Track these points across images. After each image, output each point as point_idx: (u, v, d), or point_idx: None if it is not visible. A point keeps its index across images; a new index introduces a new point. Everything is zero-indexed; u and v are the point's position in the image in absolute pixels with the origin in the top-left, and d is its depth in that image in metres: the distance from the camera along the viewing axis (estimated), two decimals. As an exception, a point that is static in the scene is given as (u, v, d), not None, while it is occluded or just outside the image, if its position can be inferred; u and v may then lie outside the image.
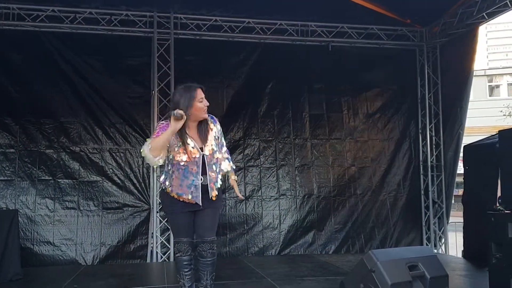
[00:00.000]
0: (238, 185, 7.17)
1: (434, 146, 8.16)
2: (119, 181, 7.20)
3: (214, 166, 3.81)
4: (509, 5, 6.52)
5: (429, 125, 8.16)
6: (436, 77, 8.18)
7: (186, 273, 3.81)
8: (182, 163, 3.70)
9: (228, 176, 4.08)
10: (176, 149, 3.69)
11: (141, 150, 3.66)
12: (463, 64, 7.77)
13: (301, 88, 7.99)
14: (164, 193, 3.86)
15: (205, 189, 3.74)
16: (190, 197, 3.71)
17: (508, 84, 27.33)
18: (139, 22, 7.31)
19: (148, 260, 7.02)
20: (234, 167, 4.09)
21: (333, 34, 7.91)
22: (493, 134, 6.53)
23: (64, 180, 7.02)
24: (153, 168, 6.97)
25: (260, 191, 7.67)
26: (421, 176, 8.18)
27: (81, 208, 7.00)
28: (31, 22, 6.99)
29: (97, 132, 7.23)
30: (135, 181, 7.25)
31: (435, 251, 7.68)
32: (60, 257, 6.77)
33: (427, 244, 7.96)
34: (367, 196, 7.98)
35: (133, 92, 7.40)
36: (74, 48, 7.21)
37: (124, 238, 7.06)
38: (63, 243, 6.83)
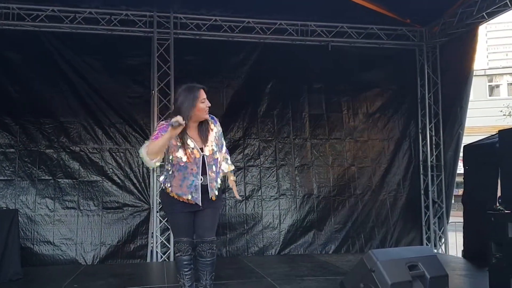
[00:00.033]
0: (238, 185, 7.16)
1: (434, 146, 8.16)
2: (119, 181, 7.20)
3: (214, 167, 3.81)
4: (509, 5, 6.52)
5: (429, 125, 8.16)
6: (436, 77, 8.18)
7: (186, 273, 3.81)
8: (182, 164, 3.70)
9: (227, 177, 4.09)
10: (176, 150, 3.69)
11: (139, 152, 3.67)
12: (463, 64, 7.77)
13: (301, 88, 7.99)
14: (164, 193, 3.86)
15: (205, 189, 3.74)
16: (190, 197, 3.71)
17: (508, 84, 27.33)
18: (139, 22, 7.31)
19: (148, 259, 7.02)
20: (233, 168, 4.09)
21: (332, 34, 7.91)
22: (493, 134, 6.54)
23: (64, 180, 7.03)
24: (153, 167, 6.97)
25: (260, 191, 7.67)
26: (421, 176, 8.19)
27: (81, 208, 7.01)
28: (31, 22, 6.99)
29: (97, 132, 7.24)
30: (135, 180, 7.25)
31: (435, 251, 7.68)
32: (60, 256, 6.78)
33: (427, 244, 7.96)
34: (367, 196, 7.98)
35: (133, 92, 7.40)
36: (74, 48, 7.21)
37: (124, 238, 7.06)
38: (63, 242, 6.84)
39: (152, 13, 7.31)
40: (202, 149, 3.74)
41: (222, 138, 3.99)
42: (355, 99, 8.17)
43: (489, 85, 26.94)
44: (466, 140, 7.87)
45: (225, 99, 7.65)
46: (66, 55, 7.20)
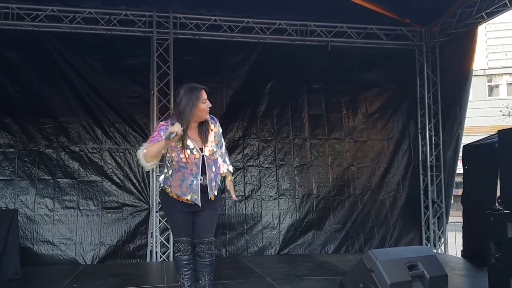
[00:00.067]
0: (237, 185, 7.17)
1: (433, 146, 8.16)
2: (118, 181, 7.20)
3: (213, 167, 3.81)
4: (508, 5, 6.53)
5: (429, 125, 8.16)
6: (436, 77, 8.18)
7: (185, 273, 3.81)
8: (181, 164, 3.70)
9: (225, 177, 4.08)
10: (176, 150, 3.69)
11: (137, 153, 3.68)
12: (462, 64, 7.78)
13: (300, 88, 7.99)
14: (163, 193, 3.86)
15: (204, 189, 3.74)
16: (189, 197, 3.71)
17: (507, 84, 27.35)
18: (138, 22, 7.31)
19: (148, 259, 7.02)
20: (231, 170, 4.09)
21: (332, 34, 7.91)
22: (493, 134, 6.54)
23: (64, 180, 7.02)
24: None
25: (259, 191, 7.67)
26: (421, 176, 8.19)
27: (81, 208, 7.00)
28: (31, 22, 6.98)
29: (96, 132, 7.23)
30: (134, 180, 7.25)
31: (435, 250, 7.68)
32: (60, 256, 6.78)
33: (426, 244, 7.96)
34: (367, 196, 7.98)
35: (133, 91, 7.40)
36: (73, 47, 7.21)
37: (124, 238, 7.06)
38: (63, 242, 6.84)
39: (151, 13, 7.31)
40: (202, 150, 3.74)
41: (222, 138, 4.00)
42: (355, 99, 8.17)
43: (488, 85, 26.96)
44: (466, 140, 7.88)
45: (225, 99, 7.65)
46: (66, 55, 7.19)
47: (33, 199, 6.86)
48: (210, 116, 3.84)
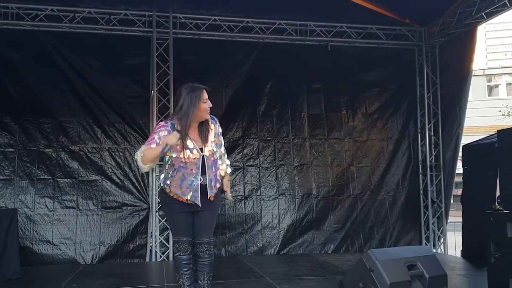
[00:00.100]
0: (237, 185, 7.17)
1: (433, 145, 8.17)
2: (118, 181, 7.20)
3: (213, 167, 3.82)
4: (508, 5, 6.53)
5: (428, 124, 8.16)
6: (435, 77, 8.18)
7: (185, 273, 3.81)
8: (181, 164, 3.71)
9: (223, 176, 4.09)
10: (176, 150, 3.70)
11: (135, 155, 3.69)
12: (462, 63, 7.78)
13: (300, 88, 8.00)
14: (163, 193, 3.86)
15: (204, 189, 3.74)
16: (189, 197, 3.71)
17: (507, 84, 27.36)
18: (138, 21, 7.31)
19: (147, 259, 7.02)
20: (230, 170, 4.08)
21: (332, 34, 7.91)
22: (492, 134, 6.54)
23: (63, 179, 7.02)
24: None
25: (259, 191, 7.68)
26: (420, 176, 8.19)
27: (80, 207, 7.00)
28: (30, 22, 6.98)
29: (96, 132, 7.23)
30: (134, 180, 7.25)
31: (434, 250, 7.69)
32: (59, 256, 6.78)
33: (426, 244, 7.97)
34: (366, 196, 7.98)
35: (132, 91, 7.40)
36: (73, 47, 7.21)
37: (123, 237, 7.06)
38: (62, 242, 6.84)
39: (151, 13, 7.31)
40: (201, 150, 3.75)
41: (221, 138, 4.00)
42: (354, 99, 8.17)
43: (488, 85, 26.97)
44: (465, 140, 7.88)
45: (224, 99, 7.65)
46: (65, 54, 7.19)
47: (32, 198, 6.86)
48: (210, 116, 3.85)
